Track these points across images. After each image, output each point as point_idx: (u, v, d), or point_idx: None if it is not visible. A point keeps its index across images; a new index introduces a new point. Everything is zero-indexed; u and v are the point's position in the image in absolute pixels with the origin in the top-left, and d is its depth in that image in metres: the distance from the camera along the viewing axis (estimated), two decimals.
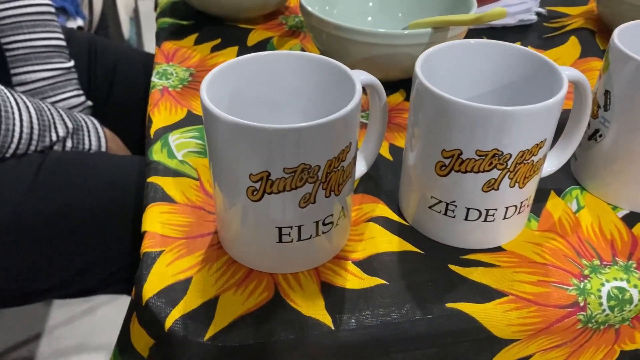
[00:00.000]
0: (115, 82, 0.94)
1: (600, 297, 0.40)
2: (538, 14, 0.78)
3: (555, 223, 0.45)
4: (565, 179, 0.50)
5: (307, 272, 0.41)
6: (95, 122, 0.81)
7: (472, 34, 0.72)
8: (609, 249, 0.43)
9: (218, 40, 0.70)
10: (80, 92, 0.89)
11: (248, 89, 0.42)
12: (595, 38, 0.71)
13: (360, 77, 0.40)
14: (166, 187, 0.48)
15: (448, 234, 0.43)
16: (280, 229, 0.38)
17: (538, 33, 0.74)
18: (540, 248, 0.43)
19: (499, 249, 0.43)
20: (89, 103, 0.90)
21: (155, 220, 0.45)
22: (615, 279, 0.41)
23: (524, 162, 0.39)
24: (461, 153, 0.39)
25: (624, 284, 0.41)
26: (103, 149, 0.79)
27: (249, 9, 0.72)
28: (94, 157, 0.72)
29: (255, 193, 0.37)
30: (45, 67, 0.83)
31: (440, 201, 0.42)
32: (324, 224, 0.39)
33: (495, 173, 0.39)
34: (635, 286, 0.41)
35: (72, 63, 0.89)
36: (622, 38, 0.44)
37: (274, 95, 0.43)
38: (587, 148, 0.48)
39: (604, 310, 0.40)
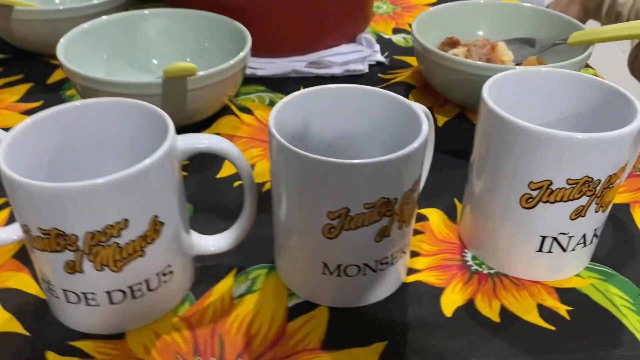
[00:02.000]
0: None
1: None
2: (379, 63, 0.73)
3: (201, 309, 0.40)
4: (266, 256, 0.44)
5: None
6: None
7: (286, 80, 0.67)
8: (241, 344, 0.37)
9: (19, 76, 0.68)
10: None
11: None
12: (409, 94, 0.65)
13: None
14: None
15: (64, 315, 0.38)
16: None
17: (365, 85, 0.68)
18: (157, 339, 0.38)
19: (120, 337, 0.38)
20: None
21: None
22: None
23: (100, 244, 0.34)
24: (29, 230, 0.34)
25: None
26: None
27: None
28: None
29: None
30: None
31: (43, 279, 0.37)
32: None
33: (69, 254, 0.34)
34: None
35: None
36: (279, 117, 0.39)
37: None
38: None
39: None
